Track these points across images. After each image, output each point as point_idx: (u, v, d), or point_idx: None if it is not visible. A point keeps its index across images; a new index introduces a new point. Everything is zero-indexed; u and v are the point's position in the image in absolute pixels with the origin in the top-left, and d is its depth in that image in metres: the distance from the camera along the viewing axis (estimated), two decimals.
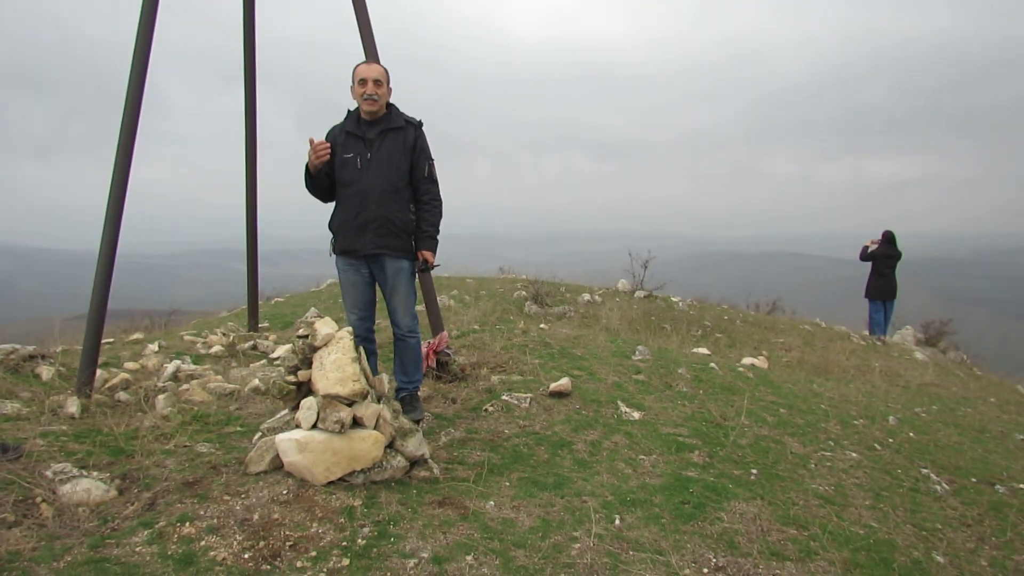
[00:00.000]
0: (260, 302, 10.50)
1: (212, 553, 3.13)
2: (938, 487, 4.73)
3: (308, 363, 4.04)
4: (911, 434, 5.86)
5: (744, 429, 5.28)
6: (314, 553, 3.20)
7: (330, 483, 3.82)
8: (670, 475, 4.39)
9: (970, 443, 5.97)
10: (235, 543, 3.22)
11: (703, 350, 8.81)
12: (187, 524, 3.35)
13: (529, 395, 5.56)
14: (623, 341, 8.02)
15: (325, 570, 3.09)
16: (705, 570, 3.35)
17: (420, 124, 4.86)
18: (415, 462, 4.14)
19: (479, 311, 11.00)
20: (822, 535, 3.77)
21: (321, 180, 4.80)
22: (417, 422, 4.77)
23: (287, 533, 3.33)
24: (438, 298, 7.26)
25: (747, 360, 8.45)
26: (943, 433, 6.14)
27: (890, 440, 5.59)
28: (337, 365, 3.90)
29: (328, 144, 4.68)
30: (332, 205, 4.94)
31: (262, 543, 3.23)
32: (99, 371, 5.76)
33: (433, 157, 4.91)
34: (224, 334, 8.62)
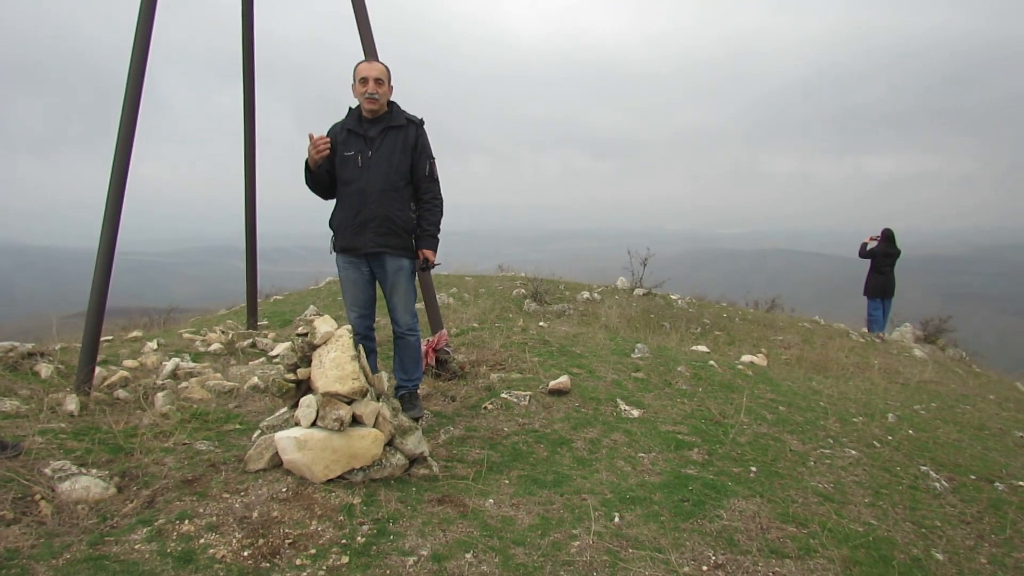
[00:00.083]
0: (259, 300, 10.49)
1: (211, 551, 3.13)
2: (937, 484, 4.74)
3: (307, 361, 4.03)
4: (910, 431, 5.87)
5: (743, 427, 5.29)
6: (313, 551, 3.20)
7: (329, 481, 3.82)
8: (669, 473, 4.39)
9: (969, 440, 5.97)
10: (234, 541, 3.23)
11: (702, 348, 8.81)
12: (186, 522, 3.35)
13: (528, 393, 5.56)
14: (622, 339, 8.02)
15: (324, 568, 3.09)
16: (704, 568, 3.35)
17: (421, 122, 4.86)
18: (414, 460, 4.14)
19: (478, 309, 10.99)
20: (821, 533, 3.77)
21: (321, 177, 4.79)
22: (416, 420, 4.77)
23: (286, 531, 3.33)
24: (437, 296, 7.25)
25: (746, 358, 8.45)
26: (942, 430, 6.14)
27: (889, 437, 5.59)
28: (336, 363, 3.90)
29: (328, 138, 4.67)
30: (332, 203, 4.93)
31: (261, 541, 3.23)
32: (98, 369, 5.75)
33: (434, 155, 4.91)
34: (223, 332, 8.61)
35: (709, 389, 6.16)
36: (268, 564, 3.08)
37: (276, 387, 4.10)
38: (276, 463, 3.92)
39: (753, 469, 4.56)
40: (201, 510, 3.47)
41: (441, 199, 4.95)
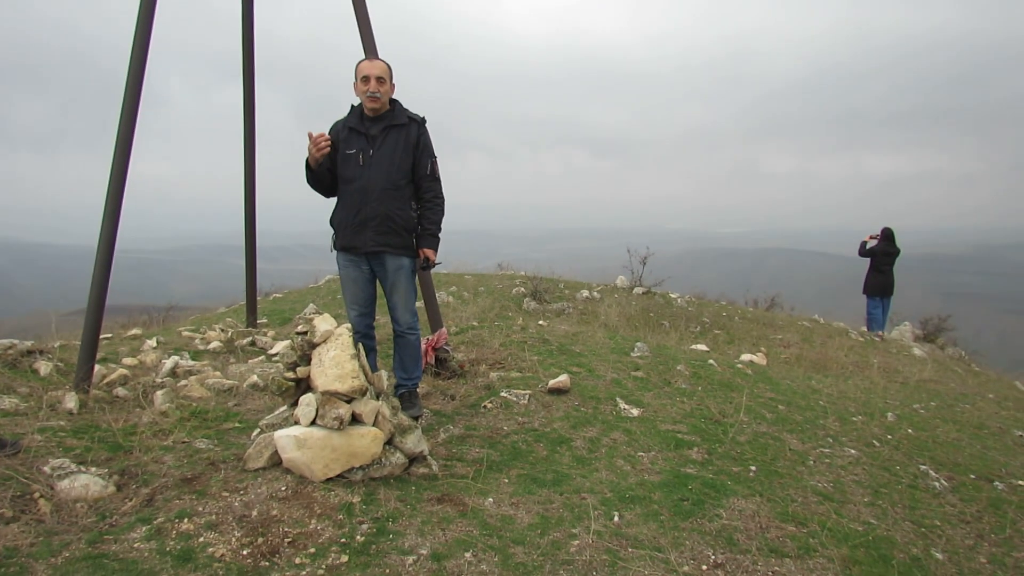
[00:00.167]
0: (259, 298, 10.48)
1: (211, 549, 3.13)
2: (937, 484, 4.74)
3: (307, 359, 4.03)
4: (909, 430, 5.87)
5: (743, 426, 5.29)
6: (313, 549, 3.20)
7: (329, 480, 3.81)
8: (669, 472, 4.39)
9: (969, 439, 5.97)
10: (233, 539, 3.22)
11: (702, 347, 8.81)
12: (185, 520, 3.34)
13: (528, 392, 5.56)
14: (622, 338, 8.02)
15: (324, 567, 3.09)
16: (704, 567, 3.35)
17: (423, 121, 4.85)
18: (414, 459, 4.13)
19: (478, 308, 10.99)
20: (821, 532, 3.77)
21: (322, 175, 4.78)
22: (416, 419, 4.77)
23: (286, 529, 3.33)
24: (437, 294, 7.25)
25: (746, 356, 8.45)
26: (942, 429, 6.14)
27: (889, 436, 5.59)
28: (336, 362, 3.89)
29: (328, 136, 4.66)
30: (333, 201, 4.93)
31: (261, 539, 3.23)
32: (97, 367, 5.74)
33: (436, 154, 4.90)
34: (222, 330, 8.61)
35: (708, 388, 6.16)
36: (267, 563, 3.07)
37: (275, 385, 4.10)
38: (275, 462, 3.92)
39: (752, 468, 4.56)
40: (200, 508, 3.47)
41: (442, 198, 4.94)
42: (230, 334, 8.29)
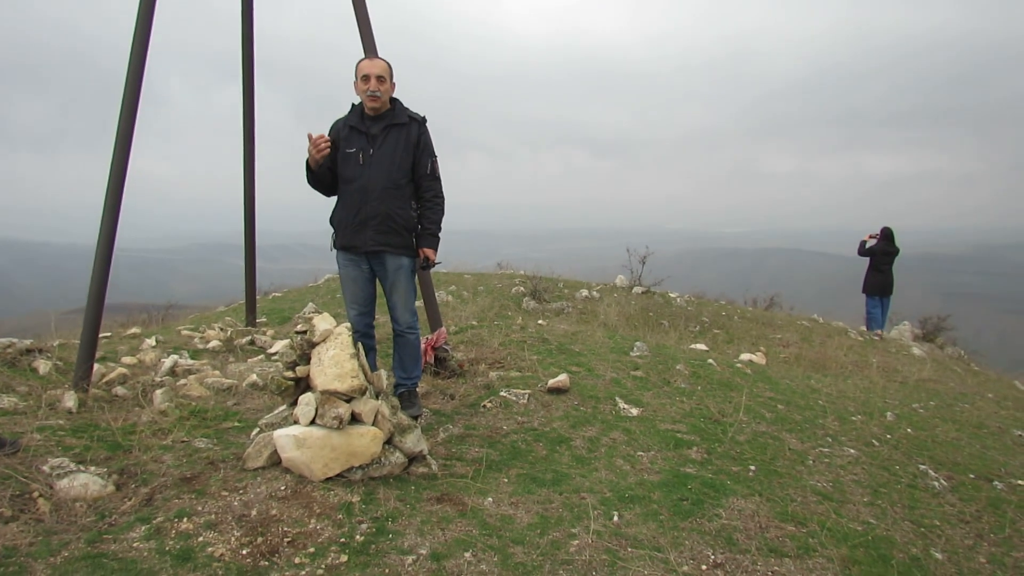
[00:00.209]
0: (258, 297, 10.48)
1: (210, 549, 3.13)
2: (936, 483, 4.74)
3: (306, 359, 4.03)
4: (909, 430, 5.87)
5: (742, 425, 5.28)
6: (312, 549, 3.20)
7: (328, 479, 3.81)
8: (668, 471, 4.39)
9: (968, 439, 5.97)
10: (233, 539, 3.22)
11: (701, 346, 8.81)
12: (185, 520, 3.34)
13: (527, 391, 5.56)
14: (621, 337, 8.02)
15: (323, 566, 3.08)
16: (703, 567, 3.35)
17: (424, 120, 4.85)
18: (413, 458, 4.13)
19: (477, 307, 10.99)
20: (820, 532, 3.77)
21: (323, 175, 4.78)
22: (415, 418, 4.77)
23: (285, 529, 3.32)
24: (436, 294, 7.25)
25: (745, 356, 8.45)
26: (941, 429, 6.14)
27: (888, 436, 5.59)
28: (335, 361, 3.89)
29: (327, 137, 4.65)
30: (333, 200, 4.93)
31: (260, 539, 3.23)
32: (96, 365, 5.74)
33: (436, 154, 4.90)
34: (222, 329, 8.61)
35: (708, 387, 6.16)
36: (267, 562, 3.07)
37: (275, 385, 4.09)
38: (275, 461, 3.92)
39: (752, 468, 4.56)
40: (200, 508, 3.46)
41: (443, 198, 4.94)
42: (229, 333, 8.29)
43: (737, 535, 3.66)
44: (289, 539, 3.25)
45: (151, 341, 7.72)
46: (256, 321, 9.26)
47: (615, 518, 3.74)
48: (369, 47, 6.34)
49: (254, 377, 5.88)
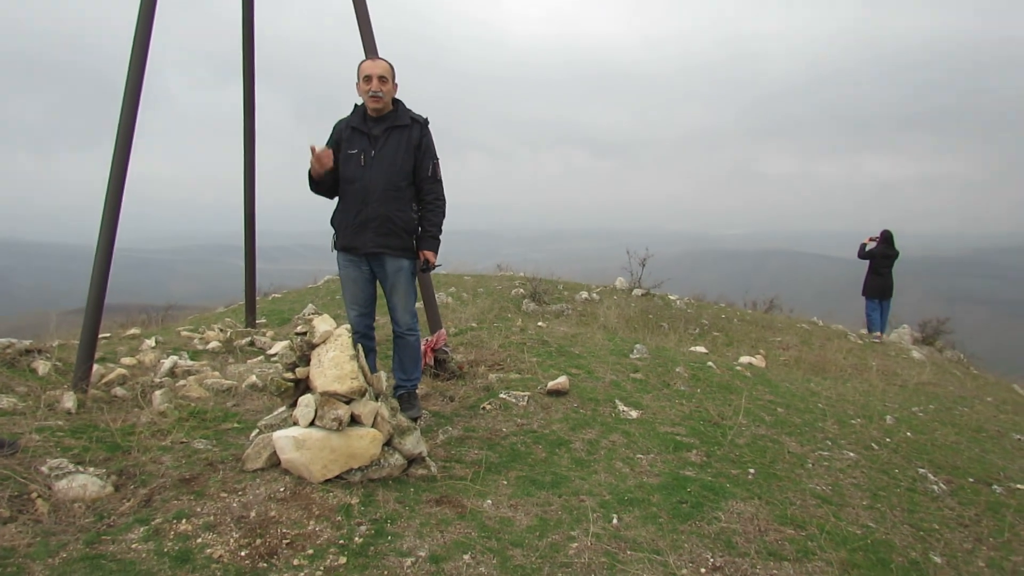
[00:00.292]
0: (258, 298, 10.48)
1: (208, 550, 3.12)
2: (935, 487, 4.73)
3: (306, 360, 4.02)
4: (908, 434, 5.87)
5: (742, 428, 5.28)
6: (311, 551, 3.19)
7: (327, 481, 3.81)
8: (668, 474, 4.38)
9: (967, 443, 5.97)
10: (232, 540, 3.21)
11: (700, 349, 8.81)
12: (183, 521, 3.34)
13: (527, 393, 5.55)
14: (621, 339, 8.02)
15: (322, 568, 3.08)
16: (703, 570, 3.34)
17: (426, 122, 4.84)
18: (413, 460, 4.13)
19: (477, 309, 10.99)
20: (819, 535, 3.77)
21: (325, 181, 4.79)
22: (415, 420, 4.77)
23: (284, 531, 3.32)
24: (436, 295, 7.25)
25: (744, 359, 8.45)
26: (940, 433, 6.14)
27: (887, 440, 5.59)
28: (335, 362, 3.89)
29: (330, 152, 4.66)
30: (335, 201, 4.93)
31: (259, 540, 3.22)
32: (96, 366, 5.73)
33: (438, 156, 4.89)
34: (221, 330, 8.60)
35: (707, 390, 6.16)
36: (265, 564, 3.07)
37: (274, 386, 4.09)
38: (274, 462, 3.92)
39: (751, 471, 4.55)
40: (198, 509, 3.46)
41: (444, 200, 4.93)
42: (229, 334, 8.29)
43: (736, 538, 3.66)
44: (288, 541, 3.25)
45: (150, 342, 7.72)
46: (256, 322, 9.25)
47: (614, 521, 3.73)
48: (369, 47, 6.34)
49: (253, 378, 5.87)
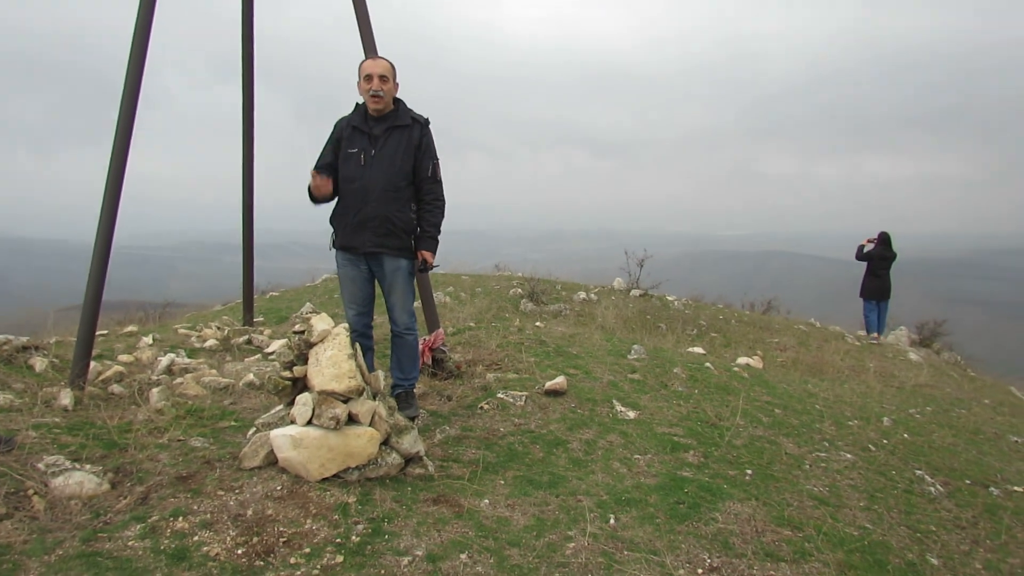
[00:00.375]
0: (255, 296, 10.47)
1: (205, 548, 3.12)
2: (932, 489, 4.74)
3: (304, 359, 4.02)
4: (905, 435, 5.87)
5: (739, 429, 5.28)
6: (308, 549, 3.19)
7: (325, 479, 3.80)
8: (665, 475, 4.38)
9: (964, 445, 5.98)
10: (228, 538, 3.21)
11: (698, 349, 8.82)
12: (180, 519, 3.33)
13: (524, 393, 5.55)
14: (619, 340, 8.02)
15: (319, 567, 3.08)
16: (700, 571, 3.34)
17: (427, 122, 4.84)
18: (410, 459, 4.13)
19: (475, 308, 10.99)
20: (816, 536, 3.77)
21: (324, 197, 4.83)
22: (412, 419, 4.76)
23: (281, 529, 3.31)
24: (434, 295, 7.24)
25: (742, 360, 8.45)
26: (937, 435, 6.15)
27: (884, 441, 5.60)
28: (333, 361, 3.88)
29: (329, 181, 4.70)
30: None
31: (256, 539, 3.22)
32: (93, 363, 5.73)
33: (438, 156, 4.89)
34: (219, 328, 8.59)
35: (705, 391, 6.16)
36: (262, 562, 3.06)
37: (272, 384, 4.08)
38: (271, 461, 3.91)
39: (749, 472, 4.56)
40: (195, 507, 3.45)
41: (443, 200, 4.93)
42: (226, 332, 8.28)
43: (733, 539, 3.66)
44: (285, 539, 3.24)
45: (148, 339, 7.71)
46: (253, 320, 9.24)
47: (611, 521, 3.73)
48: (369, 48, 6.34)
49: (251, 376, 5.87)
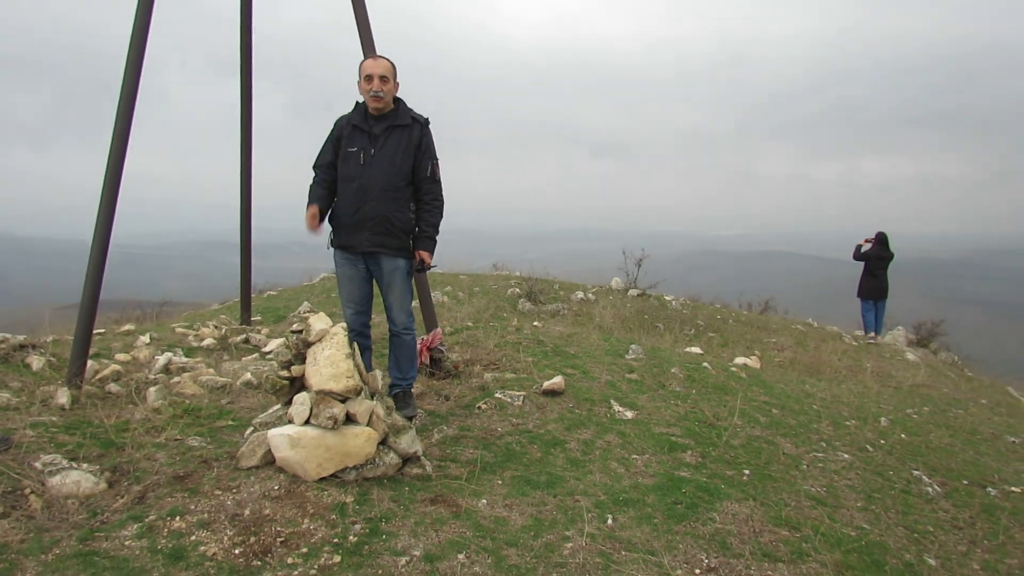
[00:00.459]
0: (253, 295, 10.46)
1: (202, 548, 3.11)
2: (930, 489, 4.74)
3: (301, 358, 4.01)
4: (903, 435, 5.88)
5: (737, 429, 5.29)
6: (305, 549, 3.18)
7: (322, 479, 3.80)
8: (663, 475, 4.38)
9: (961, 445, 5.99)
10: (226, 538, 3.20)
11: (696, 349, 8.82)
12: (177, 518, 3.32)
13: (522, 393, 5.55)
14: (616, 340, 8.02)
15: (316, 567, 3.07)
16: (697, 571, 3.35)
17: (427, 122, 4.83)
18: (408, 459, 4.12)
19: (473, 308, 10.98)
20: (814, 536, 3.77)
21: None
22: (410, 419, 4.76)
23: (278, 529, 3.31)
24: (432, 294, 7.24)
25: (739, 360, 8.46)
26: (935, 435, 6.16)
27: (882, 441, 5.60)
28: (331, 361, 3.88)
29: (317, 225, 4.76)
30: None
31: (253, 539, 3.21)
32: (90, 362, 5.72)
33: (437, 157, 4.88)
34: (216, 327, 8.58)
35: (703, 391, 6.16)
36: (259, 562, 3.06)
37: (269, 384, 4.08)
38: (269, 460, 3.90)
39: (746, 472, 4.56)
40: (192, 507, 3.45)
41: (442, 201, 4.92)
42: (224, 331, 8.27)
43: (731, 539, 3.66)
44: (282, 539, 3.24)
45: (145, 338, 7.70)
46: (251, 319, 9.23)
47: (609, 521, 3.73)
48: (369, 48, 6.33)
49: (248, 376, 5.86)
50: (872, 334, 14.08)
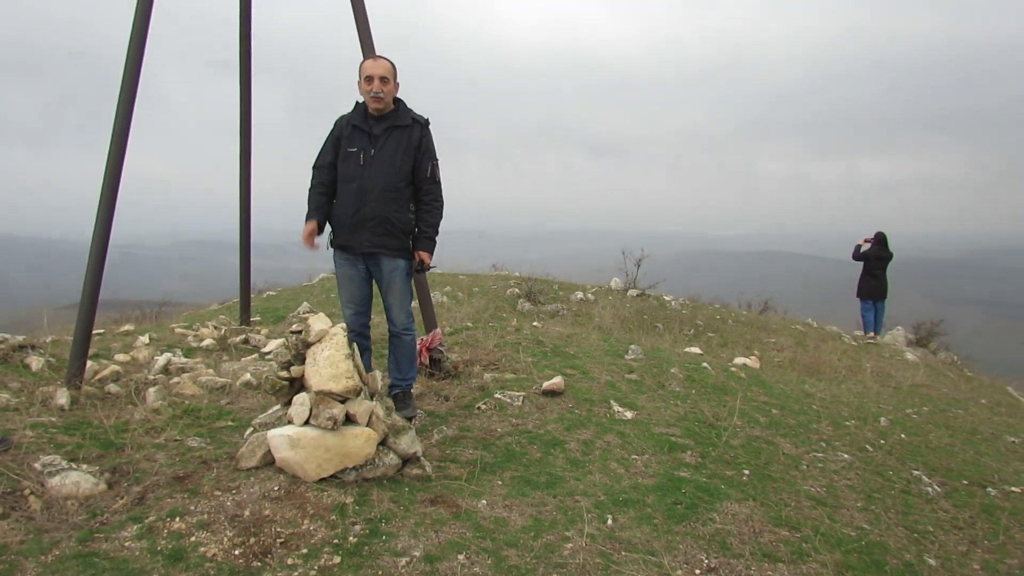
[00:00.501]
0: (252, 295, 10.46)
1: (202, 549, 3.11)
2: (930, 489, 4.74)
3: (301, 359, 4.01)
4: (902, 435, 5.88)
5: (736, 429, 5.28)
6: (305, 550, 3.18)
7: (322, 480, 3.79)
8: (663, 475, 4.38)
9: (961, 445, 5.99)
10: (225, 539, 3.20)
11: (695, 349, 8.82)
12: (177, 519, 3.32)
13: (522, 393, 5.55)
14: (616, 340, 8.02)
15: (316, 568, 3.07)
16: (697, 571, 3.34)
17: (427, 123, 4.83)
18: (407, 460, 4.12)
19: (472, 308, 10.98)
20: (814, 537, 3.77)
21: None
22: (410, 419, 4.76)
23: (278, 530, 3.31)
24: (431, 295, 7.24)
25: (739, 360, 8.46)
26: (934, 435, 6.16)
27: (882, 441, 5.60)
28: (331, 361, 3.88)
29: (317, 246, 4.79)
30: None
31: (253, 539, 3.21)
32: (89, 363, 5.71)
33: (437, 157, 4.88)
34: (216, 327, 8.58)
35: (702, 391, 6.16)
36: (259, 563, 3.06)
37: (269, 384, 4.08)
38: (268, 461, 3.90)
39: (746, 472, 4.56)
40: (192, 508, 3.44)
41: (441, 201, 4.92)
42: (223, 331, 8.26)
43: (731, 539, 3.66)
44: (282, 540, 3.23)
45: (144, 339, 7.69)
46: (250, 320, 9.23)
47: (609, 521, 3.73)
48: (368, 49, 6.32)
49: (248, 376, 5.85)
50: (872, 334, 14.09)
